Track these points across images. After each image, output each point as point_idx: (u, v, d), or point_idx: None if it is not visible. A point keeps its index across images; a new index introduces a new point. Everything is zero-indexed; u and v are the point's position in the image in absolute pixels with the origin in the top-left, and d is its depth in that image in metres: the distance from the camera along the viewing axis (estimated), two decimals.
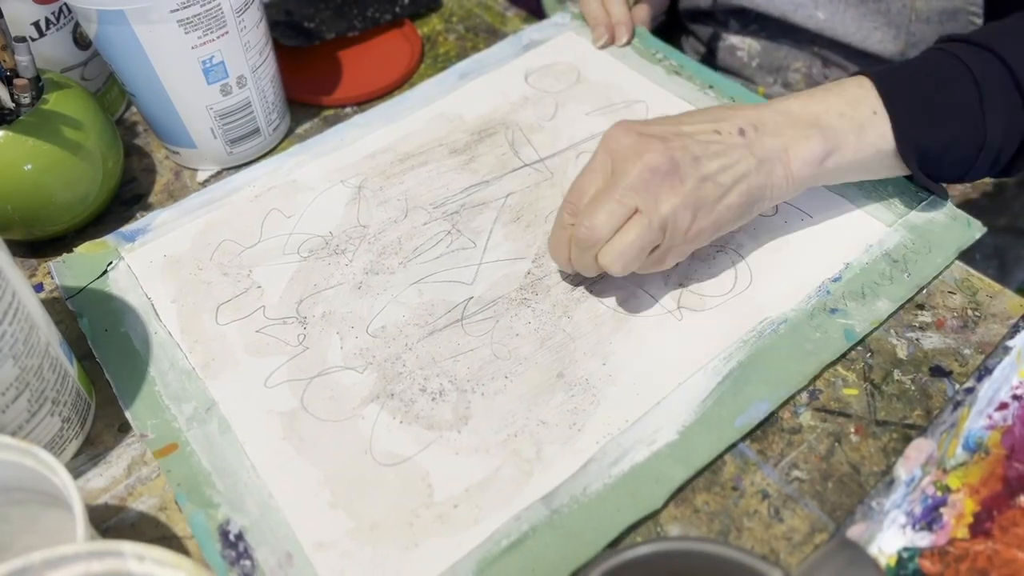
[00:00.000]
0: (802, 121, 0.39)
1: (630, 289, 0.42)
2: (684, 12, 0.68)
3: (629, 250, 0.36)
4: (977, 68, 0.39)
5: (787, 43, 0.61)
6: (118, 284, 0.44)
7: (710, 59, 0.67)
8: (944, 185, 0.43)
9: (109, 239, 0.46)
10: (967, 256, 0.43)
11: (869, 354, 0.39)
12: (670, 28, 0.72)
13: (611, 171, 0.38)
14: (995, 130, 0.39)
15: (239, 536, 0.34)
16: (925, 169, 0.41)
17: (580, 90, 0.54)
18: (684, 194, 0.36)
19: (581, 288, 0.42)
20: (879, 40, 0.55)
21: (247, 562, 0.33)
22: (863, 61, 0.57)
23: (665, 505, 0.34)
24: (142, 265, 0.45)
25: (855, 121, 0.39)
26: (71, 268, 0.45)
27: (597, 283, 0.43)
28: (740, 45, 0.64)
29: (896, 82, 0.40)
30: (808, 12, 0.57)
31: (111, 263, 0.45)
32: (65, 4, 0.49)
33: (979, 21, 0.51)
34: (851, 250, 0.43)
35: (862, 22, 0.55)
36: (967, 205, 0.60)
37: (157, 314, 0.42)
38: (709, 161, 0.37)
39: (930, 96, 0.39)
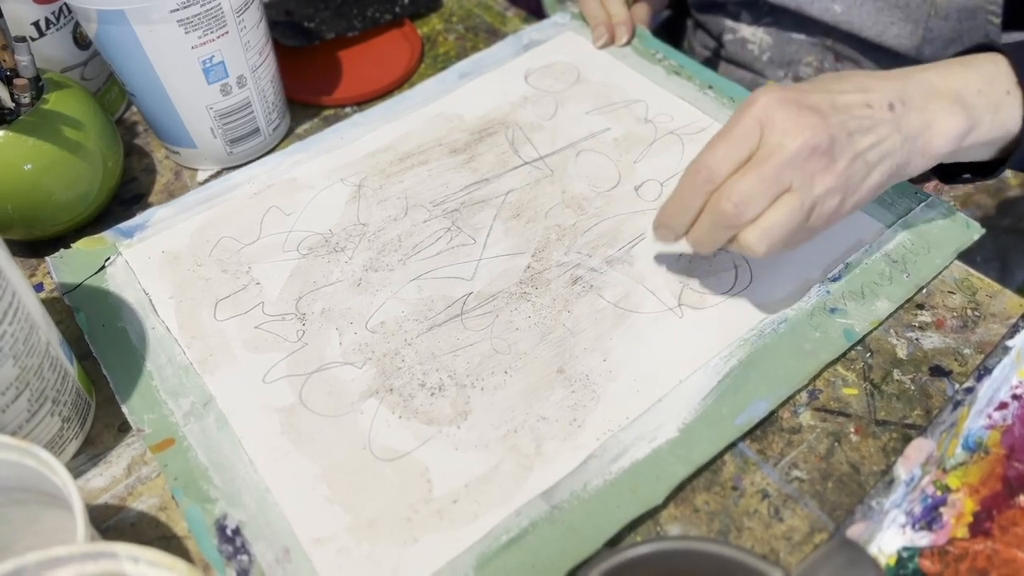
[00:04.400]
0: (944, 95, 0.37)
1: (630, 285, 0.42)
2: (694, 3, 0.67)
3: (780, 231, 0.34)
4: None
5: (800, 36, 0.60)
6: (116, 280, 0.44)
7: (719, 52, 0.67)
8: (942, 186, 0.43)
9: (107, 235, 0.46)
10: (968, 257, 0.43)
11: (869, 354, 0.39)
12: (678, 21, 0.71)
13: (760, 142, 0.34)
14: None
15: (236, 531, 0.34)
16: None
17: (580, 90, 0.54)
18: (837, 174, 0.34)
19: (581, 282, 0.42)
20: (895, 35, 0.55)
21: (244, 557, 0.33)
22: (877, 55, 0.57)
23: (665, 504, 0.34)
24: (140, 261, 0.45)
25: (992, 99, 0.38)
26: (68, 264, 0.45)
27: (599, 273, 0.42)
28: (751, 38, 0.63)
29: None
30: (825, 5, 0.56)
31: (109, 259, 0.45)
32: (65, 4, 0.49)
33: (997, 20, 0.51)
34: (851, 250, 0.43)
35: (879, 16, 0.54)
36: (970, 206, 0.60)
37: (155, 309, 0.42)
38: (862, 137, 0.35)
39: None
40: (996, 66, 0.38)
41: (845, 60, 0.59)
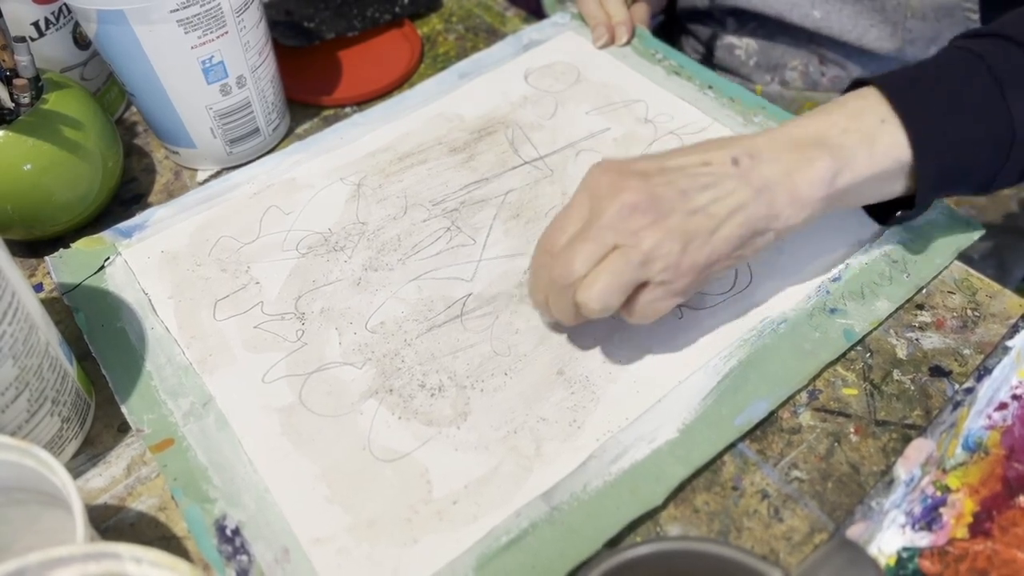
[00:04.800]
0: (803, 143, 0.36)
1: None
2: (682, 12, 0.68)
3: (607, 286, 0.34)
4: (992, 57, 0.36)
5: (784, 41, 0.61)
6: (115, 280, 0.44)
7: (708, 58, 0.67)
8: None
9: (106, 235, 0.46)
10: (966, 255, 0.43)
11: (869, 354, 0.39)
12: (669, 28, 0.72)
13: (589, 211, 0.36)
14: (1022, 116, 0.35)
15: (236, 531, 0.34)
16: (950, 178, 0.37)
17: (580, 90, 0.54)
18: (669, 228, 0.34)
19: None
20: (876, 37, 0.55)
21: (244, 557, 0.33)
22: (860, 58, 0.57)
23: (665, 504, 0.34)
24: (139, 261, 0.45)
25: (862, 133, 0.36)
26: (68, 263, 0.45)
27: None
28: (738, 44, 0.64)
29: (902, 84, 0.37)
30: (804, 11, 0.57)
31: (108, 259, 0.45)
32: (65, 4, 0.49)
33: (975, 17, 0.51)
34: (850, 250, 0.43)
35: (858, 19, 0.55)
36: (965, 205, 0.60)
37: (154, 309, 0.42)
38: (699, 194, 0.35)
39: (941, 92, 0.36)
40: (865, 100, 0.37)
41: (830, 63, 0.60)
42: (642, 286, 0.35)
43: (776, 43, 0.61)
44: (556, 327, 0.41)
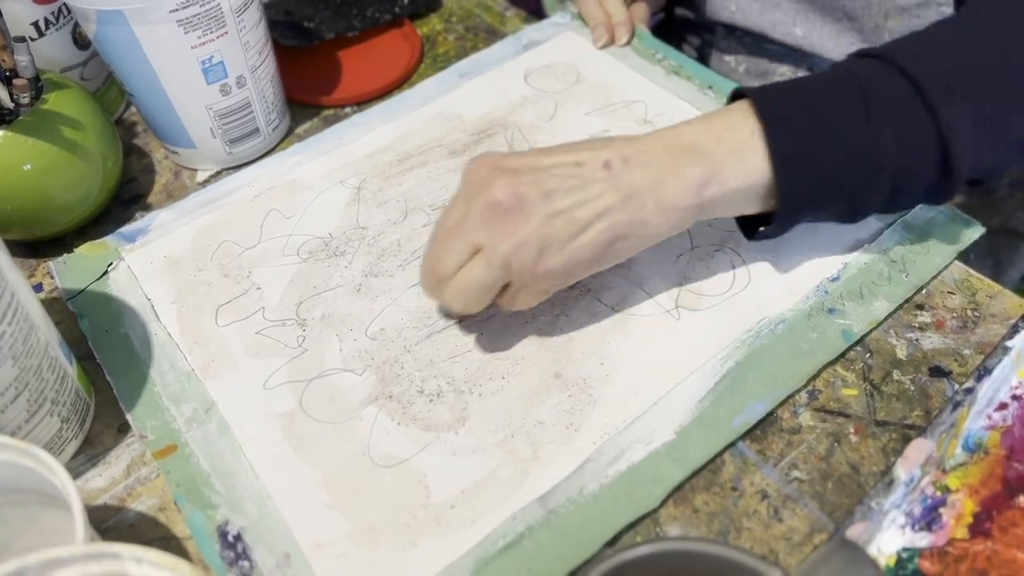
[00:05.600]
0: (677, 149, 0.36)
1: (628, 288, 0.42)
2: (677, 20, 0.69)
3: (468, 289, 0.35)
4: (868, 80, 0.36)
5: (771, 52, 0.62)
6: (118, 285, 0.44)
7: (702, 62, 0.68)
8: None
9: (109, 240, 0.46)
10: (962, 256, 0.42)
11: (868, 354, 0.39)
12: (668, 33, 0.72)
13: (464, 205, 0.36)
14: (888, 145, 0.35)
15: (238, 537, 0.34)
16: (811, 198, 0.36)
17: (579, 90, 0.54)
18: (527, 232, 0.34)
19: (578, 287, 0.42)
20: None
21: (245, 563, 0.33)
22: None
23: (663, 505, 0.34)
24: (142, 266, 0.45)
25: (733, 144, 0.36)
26: (71, 269, 0.45)
27: (596, 277, 0.42)
28: (727, 51, 0.65)
29: (775, 99, 0.36)
30: (787, 29, 0.57)
31: (111, 264, 0.45)
32: (64, 4, 0.49)
33: None
34: (849, 250, 0.43)
35: (839, 38, 0.56)
36: (958, 206, 0.60)
37: (157, 315, 0.42)
38: (563, 196, 0.35)
39: (811, 112, 0.36)
40: (740, 112, 0.37)
41: (817, 70, 0.60)
42: (508, 284, 0.36)
43: (764, 53, 0.62)
44: (445, 312, 0.42)
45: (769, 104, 0.36)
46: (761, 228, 0.39)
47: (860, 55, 0.38)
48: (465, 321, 0.41)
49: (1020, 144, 0.37)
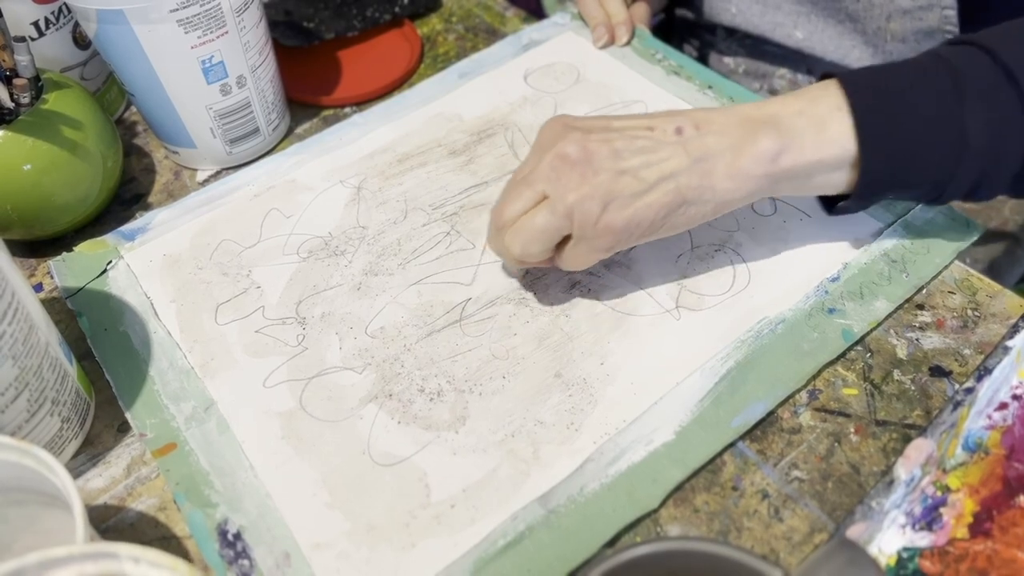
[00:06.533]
0: (755, 120, 0.36)
1: (628, 288, 0.42)
2: (677, 21, 0.69)
3: (530, 232, 0.36)
4: (958, 62, 0.36)
5: (771, 53, 0.62)
6: (117, 283, 0.44)
7: (702, 63, 0.69)
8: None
9: (108, 238, 0.46)
10: (959, 260, 0.42)
11: (869, 354, 0.39)
12: (668, 34, 0.73)
13: (535, 158, 0.37)
14: (978, 128, 0.35)
15: (237, 536, 0.34)
16: (894, 177, 0.36)
17: (579, 90, 0.54)
18: (595, 184, 0.35)
19: (579, 287, 0.42)
20: (858, 57, 0.56)
21: (245, 561, 0.33)
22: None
23: (663, 505, 0.34)
24: (141, 264, 0.45)
25: (815, 117, 0.36)
26: (71, 267, 0.45)
27: (597, 277, 0.42)
28: (727, 52, 0.65)
29: (863, 79, 0.37)
30: (787, 31, 0.57)
31: (110, 262, 0.45)
32: (65, 4, 0.49)
33: None
34: (849, 250, 0.43)
35: (840, 41, 0.55)
36: (957, 207, 0.60)
37: (156, 313, 0.42)
38: (632, 156, 0.35)
39: (899, 92, 0.36)
40: (824, 89, 0.37)
41: (817, 73, 0.60)
42: (568, 237, 0.37)
43: (763, 55, 0.62)
44: (510, 272, 0.43)
45: (857, 84, 0.36)
46: (840, 203, 0.39)
47: (952, 42, 0.38)
48: (509, 287, 0.42)
49: None
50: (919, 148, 0.36)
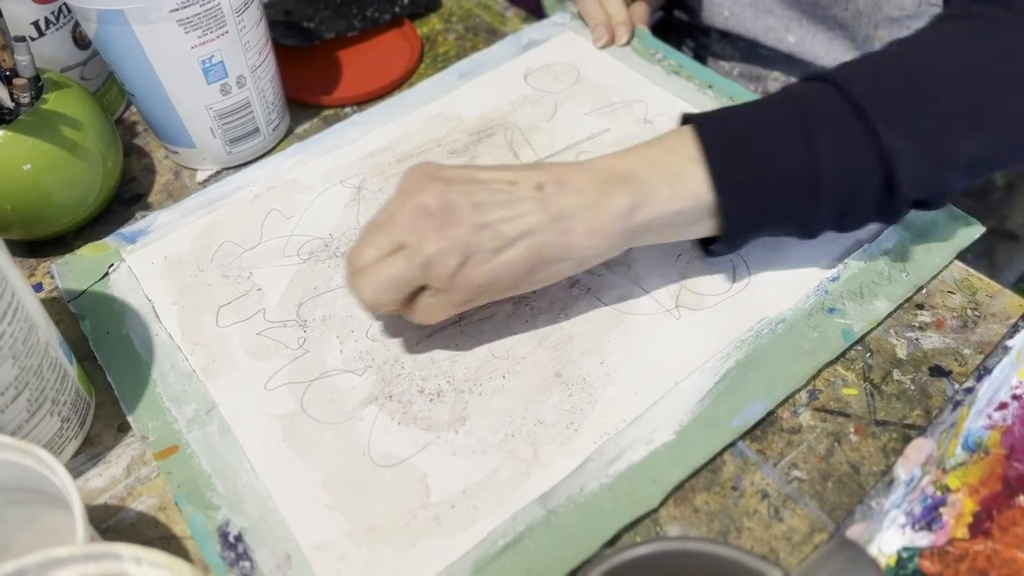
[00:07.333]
0: (612, 175, 0.36)
1: (628, 287, 0.42)
2: (674, 22, 0.70)
3: (383, 280, 0.35)
4: (810, 102, 0.36)
5: (764, 56, 0.62)
6: (119, 286, 0.44)
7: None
8: None
9: (110, 240, 0.46)
10: (958, 258, 0.42)
11: (869, 354, 0.39)
12: (667, 34, 0.73)
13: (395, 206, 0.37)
14: (828, 165, 0.35)
15: (238, 537, 0.34)
16: (757, 220, 0.37)
17: (579, 90, 0.54)
18: (454, 238, 0.35)
19: (579, 286, 0.42)
20: None
21: (246, 563, 0.33)
22: None
23: (663, 504, 0.34)
24: (143, 267, 0.45)
25: (669, 169, 0.36)
26: (72, 270, 0.45)
27: (597, 277, 0.42)
28: (722, 54, 0.65)
29: (715, 124, 0.37)
30: (779, 36, 0.58)
31: (112, 265, 0.45)
32: (65, 4, 0.49)
33: None
34: (849, 250, 0.43)
35: (831, 45, 0.56)
36: (955, 206, 0.60)
37: (158, 316, 0.42)
38: (493, 210, 0.35)
39: (751, 135, 0.36)
40: (680, 137, 0.37)
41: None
42: (422, 288, 0.36)
43: (757, 58, 0.63)
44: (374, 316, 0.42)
45: (709, 130, 0.36)
46: (711, 247, 0.40)
47: (807, 78, 0.38)
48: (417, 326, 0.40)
49: (968, 165, 0.37)
50: (774, 193, 0.36)
